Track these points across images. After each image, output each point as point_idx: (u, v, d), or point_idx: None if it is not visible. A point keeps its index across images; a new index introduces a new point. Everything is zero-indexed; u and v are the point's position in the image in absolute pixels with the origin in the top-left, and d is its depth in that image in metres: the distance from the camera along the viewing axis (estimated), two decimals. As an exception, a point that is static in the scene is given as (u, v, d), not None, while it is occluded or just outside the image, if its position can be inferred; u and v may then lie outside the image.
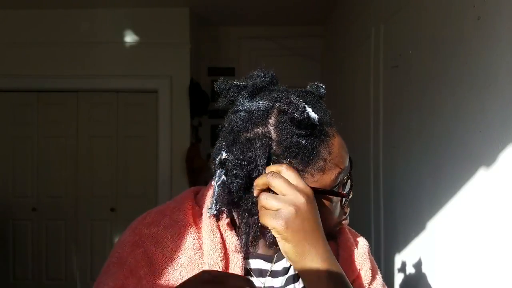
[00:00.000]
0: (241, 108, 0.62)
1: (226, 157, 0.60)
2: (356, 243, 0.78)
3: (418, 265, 1.65)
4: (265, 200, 0.55)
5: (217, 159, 0.62)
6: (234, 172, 0.58)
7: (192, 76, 3.47)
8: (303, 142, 0.59)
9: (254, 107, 0.61)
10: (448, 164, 1.38)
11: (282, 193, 0.54)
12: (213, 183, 0.62)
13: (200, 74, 3.75)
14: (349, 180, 0.66)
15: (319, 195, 0.62)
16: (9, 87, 3.44)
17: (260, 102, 0.61)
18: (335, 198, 0.65)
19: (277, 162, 0.59)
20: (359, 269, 0.75)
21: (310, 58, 3.85)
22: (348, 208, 0.71)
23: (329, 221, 0.67)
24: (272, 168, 0.57)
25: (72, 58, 3.39)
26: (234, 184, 0.58)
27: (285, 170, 0.56)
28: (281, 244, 0.56)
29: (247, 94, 0.63)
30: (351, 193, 0.68)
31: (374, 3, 2.26)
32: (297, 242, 0.55)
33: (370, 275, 0.76)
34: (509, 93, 1.04)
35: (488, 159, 1.12)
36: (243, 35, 3.87)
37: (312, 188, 0.61)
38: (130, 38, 3.46)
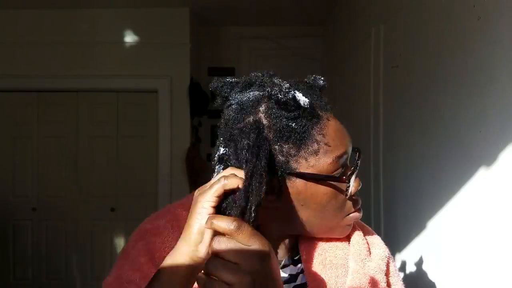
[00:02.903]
0: (233, 102, 0.62)
1: (224, 152, 0.59)
2: (371, 252, 0.70)
3: (418, 265, 1.64)
4: (215, 270, 0.47)
5: (216, 155, 0.61)
6: (233, 164, 0.57)
7: (192, 76, 3.47)
8: (293, 124, 0.58)
9: (245, 98, 0.61)
10: (448, 164, 1.37)
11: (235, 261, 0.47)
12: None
13: (200, 74, 3.75)
14: (355, 170, 0.62)
15: (318, 182, 0.60)
16: (9, 87, 3.44)
17: (251, 93, 0.61)
18: (338, 187, 0.61)
19: (269, 148, 0.57)
20: (369, 283, 0.67)
21: (310, 58, 3.84)
22: (359, 199, 0.65)
23: (333, 214, 0.63)
24: (221, 224, 0.49)
25: (72, 58, 3.39)
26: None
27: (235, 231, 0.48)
28: None
29: (239, 89, 0.63)
30: (355, 182, 0.63)
31: (374, 3, 2.26)
32: None
33: None
34: (509, 93, 1.04)
35: (488, 159, 1.12)
36: (243, 35, 3.87)
37: (306, 173, 0.59)
38: (130, 38, 3.46)
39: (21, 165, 3.50)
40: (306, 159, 0.59)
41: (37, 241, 3.49)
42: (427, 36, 1.56)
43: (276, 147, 0.59)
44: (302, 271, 0.69)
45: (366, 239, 0.72)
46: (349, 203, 0.64)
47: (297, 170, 0.59)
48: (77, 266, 3.48)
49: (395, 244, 1.88)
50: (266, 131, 0.58)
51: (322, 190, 0.61)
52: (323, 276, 0.66)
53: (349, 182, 0.61)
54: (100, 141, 3.52)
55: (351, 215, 0.65)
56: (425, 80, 1.58)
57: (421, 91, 1.62)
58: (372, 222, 2.18)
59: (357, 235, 0.71)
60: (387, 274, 0.70)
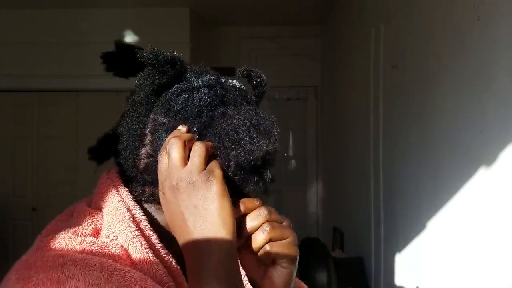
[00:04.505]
0: (200, 85, 0.57)
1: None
2: None
3: (418, 265, 1.65)
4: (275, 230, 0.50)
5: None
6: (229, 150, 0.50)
7: (192, 76, 3.47)
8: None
9: (209, 82, 0.57)
10: (448, 164, 1.38)
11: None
12: None
13: (200, 74, 3.75)
14: None
15: None
16: (9, 87, 3.44)
17: (206, 77, 0.58)
18: None
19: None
20: None
21: (310, 58, 3.84)
22: None
23: None
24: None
25: (72, 58, 3.39)
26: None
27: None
28: (293, 270, 0.52)
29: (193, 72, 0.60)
30: None
31: (374, 3, 2.26)
32: None
33: None
34: (509, 93, 1.04)
35: (488, 159, 1.12)
36: (243, 35, 3.87)
37: None
38: (130, 38, 3.46)
39: (21, 165, 3.50)
40: None
41: (37, 241, 3.49)
42: (427, 36, 1.56)
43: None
44: None
45: None
46: None
47: None
48: (77, 266, 3.48)
49: (395, 243, 1.88)
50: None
51: None
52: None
53: None
54: (100, 141, 3.52)
55: None
56: (425, 80, 1.58)
57: (421, 91, 1.62)
58: (372, 222, 2.19)
59: None
60: None
